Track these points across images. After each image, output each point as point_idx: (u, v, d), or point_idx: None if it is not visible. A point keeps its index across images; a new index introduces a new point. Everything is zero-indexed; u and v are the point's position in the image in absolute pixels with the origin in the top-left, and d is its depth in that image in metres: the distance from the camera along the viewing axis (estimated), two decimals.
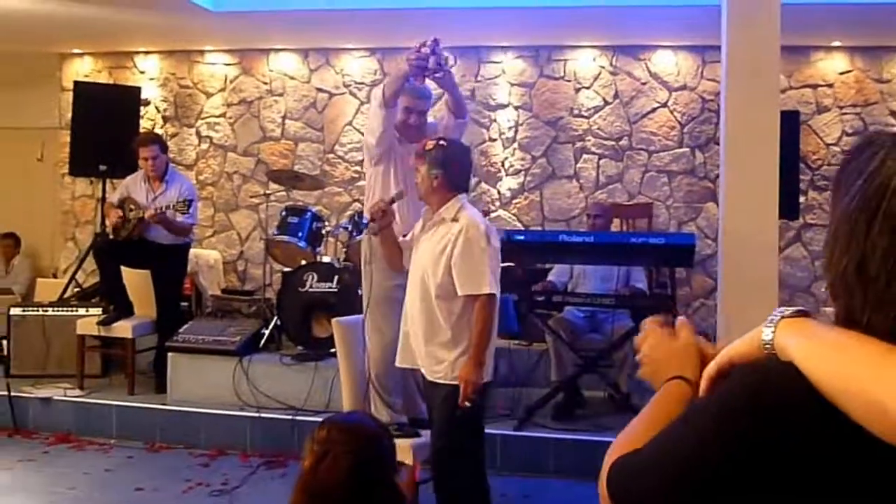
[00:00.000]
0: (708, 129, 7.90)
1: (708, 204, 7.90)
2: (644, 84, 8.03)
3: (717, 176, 7.85)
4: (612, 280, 6.09)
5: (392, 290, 4.54)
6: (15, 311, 6.91)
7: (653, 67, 8.02)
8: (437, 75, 4.45)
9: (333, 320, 4.76)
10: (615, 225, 7.39)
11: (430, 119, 4.85)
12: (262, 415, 5.92)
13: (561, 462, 5.41)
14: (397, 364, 4.14)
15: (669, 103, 8.00)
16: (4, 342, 6.86)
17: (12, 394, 6.33)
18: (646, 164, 8.04)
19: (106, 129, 7.44)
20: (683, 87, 7.98)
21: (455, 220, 3.88)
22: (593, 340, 6.09)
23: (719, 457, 1.09)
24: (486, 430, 5.28)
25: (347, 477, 2.02)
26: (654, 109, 8.02)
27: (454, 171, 3.93)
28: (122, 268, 6.51)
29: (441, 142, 3.99)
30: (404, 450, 4.18)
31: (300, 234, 6.59)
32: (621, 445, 1.25)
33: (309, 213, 6.75)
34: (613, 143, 8.08)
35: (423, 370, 3.97)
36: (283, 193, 7.71)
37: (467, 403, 3.78)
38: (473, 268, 3.79)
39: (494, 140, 8.29)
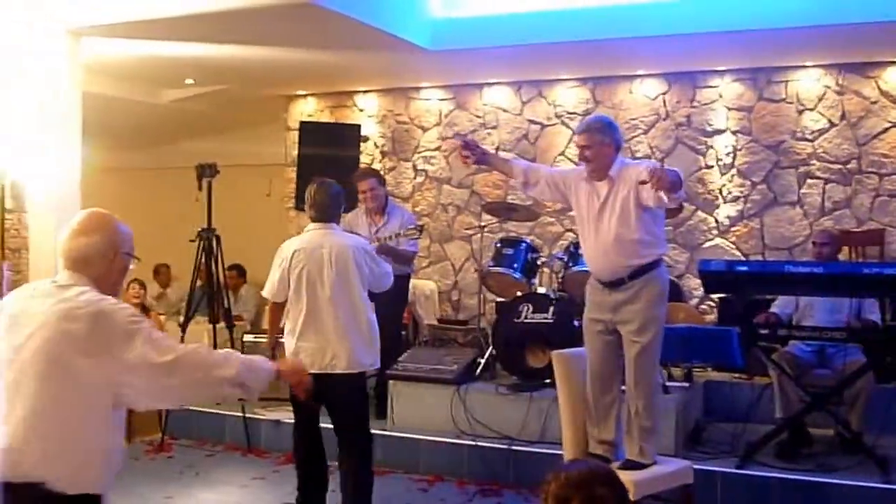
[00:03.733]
0: None
1: None
2: (874, 103, 7.59)
3: None
4: (842, 312, 5.76)
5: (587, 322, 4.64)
6: (247, 337, 7.55)
7: (883, 85, 7.57)
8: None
9: (553, 352, 4.77)
10: (843, 253, 7.01)
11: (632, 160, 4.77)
12: (479, 443, 5.98)
13: (785, 503, 5.16)
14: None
15: None
16: None
17: (246, 415, 6.74)
18: (876, 187, 7.59)
19: (328, 165, 7.75)
20: None
21: None
22: (822, 376, 5.78)
23: None
24: (706, 467, 5.20)
25: None
26: (885, 129, 7.57)
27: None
28: None
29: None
30: (627, 485, 4.12)
31: (515, 266, 6.64)
32: None
33: (524, 245, 6.79)
34: (840, 166, 7.68)
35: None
36: (496, 224, 7.80)
37: None
38: None
39: (711, 167, 8.07)
